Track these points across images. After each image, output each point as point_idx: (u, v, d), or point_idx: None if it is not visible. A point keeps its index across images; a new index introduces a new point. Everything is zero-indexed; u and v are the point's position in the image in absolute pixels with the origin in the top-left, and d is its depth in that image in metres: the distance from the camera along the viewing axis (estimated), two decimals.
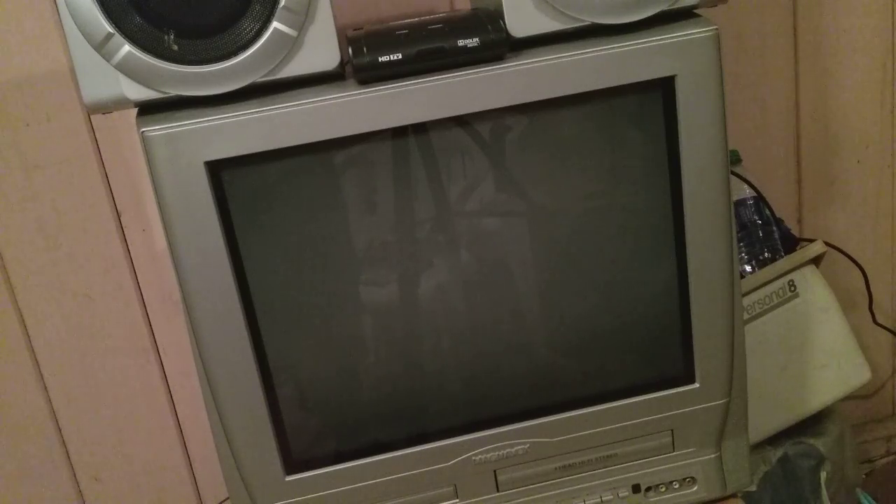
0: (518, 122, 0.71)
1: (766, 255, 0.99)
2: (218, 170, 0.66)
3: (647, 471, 0.82)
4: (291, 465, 0.75)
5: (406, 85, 0.66)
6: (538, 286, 0.78)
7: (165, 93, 0.65)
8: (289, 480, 0.75)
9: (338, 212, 0.72)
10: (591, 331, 0.79)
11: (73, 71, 0.67)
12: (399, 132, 0.69)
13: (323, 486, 0.76)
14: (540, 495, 0.81)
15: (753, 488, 0.93)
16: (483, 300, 0.76)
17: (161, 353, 1.20)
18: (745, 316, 0.94)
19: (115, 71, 0.64)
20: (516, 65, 0.67)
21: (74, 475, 1.26)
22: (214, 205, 0.66)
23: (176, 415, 1.23)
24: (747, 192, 1.01)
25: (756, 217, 1.01)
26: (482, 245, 0.75)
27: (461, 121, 0.69)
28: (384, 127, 0.68)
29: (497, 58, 0.67)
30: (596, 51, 0.67)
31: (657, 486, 0.83)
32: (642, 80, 0.68)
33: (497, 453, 0.78)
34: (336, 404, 0.77)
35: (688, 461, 0.82)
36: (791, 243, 1.02)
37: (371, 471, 0.76)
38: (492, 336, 0.77)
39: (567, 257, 0.76)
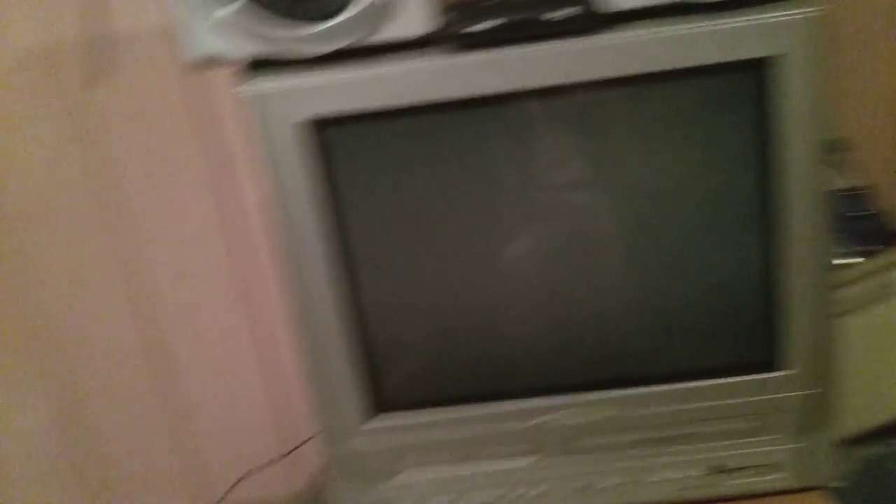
0: (611, 96, 0.71)
1: (866, 247, 0.96)
2: (320, 128, 0.70)
3: (729, 453, 0.81)
4: (375, 408, 0.79)
5: (505, 52, 0.68)
6: (630, 262, 0.78)
7: (270, 50, 0.68)
8: (374, 422, 0.79)
9: (433, 171, 0.74)
10: (681, 310, 0.78)
11: (170, 27, 0.70)
12: (495, 100, 0.70)
13: (406, 431, 0.79)
14: (617, 464, 0.82)
15: (842, 484, 0.91)
16: (575, 270, 0.77)
17: (249, 304, 1.27)
18: (842, 309, 0.91)
19: (219, 27, 0.67)
20: (615, 37, 0.67)
21: (171, 408, 1.36)
22: (316, 161, 0.70)
23: (271, 352, 1.31)
24: (849, 182, 0.98)
25: (857, 208, 0.97)
26: (573, 215, 0.76)
27: (557, 92, 0.70)
28: (481, 93, 0.69)
29: (594, 30, 0.67)
30: (695, 27, 0.66)
31: (739, 468, 0.82)
32: (739, 59, 0.67)
33: (577, 419, 0.79)
34: (425, 351, 0.79)
35: (773, 448, 0.81)
36: (893, 238, 0.98)
37: (452, 420, 0.79)
38: (580, 304, 0.78)
39: (655, 235, 0.76)
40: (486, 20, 0.67)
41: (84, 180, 1.20)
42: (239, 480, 1.29)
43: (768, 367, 0.77)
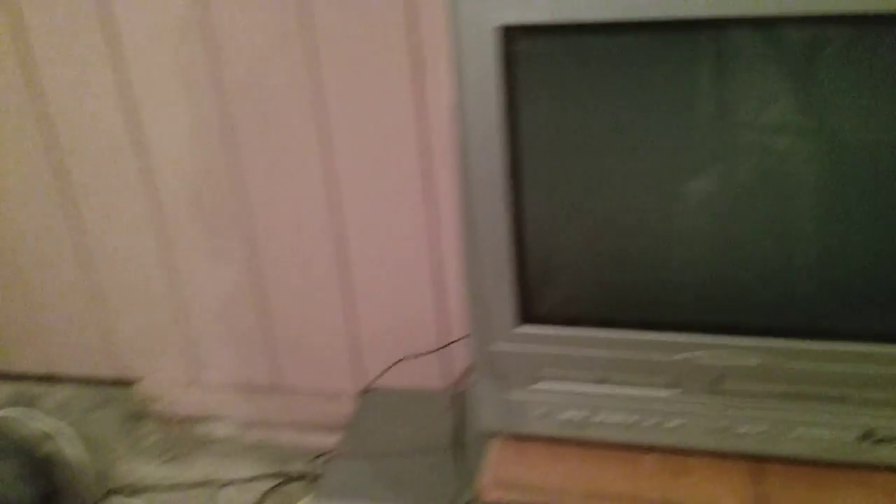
0: (837, 36, 0.66)
1: None
2: (513, 35, 0.70)
3: (886, 421, 0.77)
4: (526, 317, 0.81)
5: None
6: (825, 214, 0.74)
7: None
8: (521, 330, 0.81)
9: (623, 90, 0.73)
10: (866, 270, 0.74)
11: None
12: (704, 25, 0.67)
13: (549, 344, 0.81)
14: (761, 411, 0.80)
15: None
16: (756, 210, 0.74)
17: (434, 197, 1.32)
18: None
19: None
20: None
21: (347, 287, 1.46)
22: (502, 72, 0.71)
23: (437, 251, 1.36)
24: None
25: None
26: (769, 158, 0.72)
27: (781, 23, 0.66)
28: (693, 16, 0.66)
29: None
30: None
31: (894, 439, 0.78)
32: None
33: (726, 361, 0.78)
34: (579, 271, 0.80)
35: None
36: None
37: (598, 342, 0.80)
38: (754, 247, 0.75)
39: (860, 190, 0.71)
40: None
41: (294, 69, 1.29)
42: (393, 365, 1.37)
43: None
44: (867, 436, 0.78)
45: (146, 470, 1.70)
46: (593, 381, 0.83)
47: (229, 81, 1.33)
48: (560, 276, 0.81)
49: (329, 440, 1.53)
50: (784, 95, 0.70)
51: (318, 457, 1.56)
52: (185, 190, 1.46)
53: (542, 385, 0.84)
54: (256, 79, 1.31)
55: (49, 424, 1.72)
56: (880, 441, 0.78)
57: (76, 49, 1.39)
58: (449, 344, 1.42)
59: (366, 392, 1.38)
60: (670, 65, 0.71)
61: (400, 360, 1.38)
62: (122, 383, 1.72)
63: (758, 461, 0.82)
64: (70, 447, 1.66)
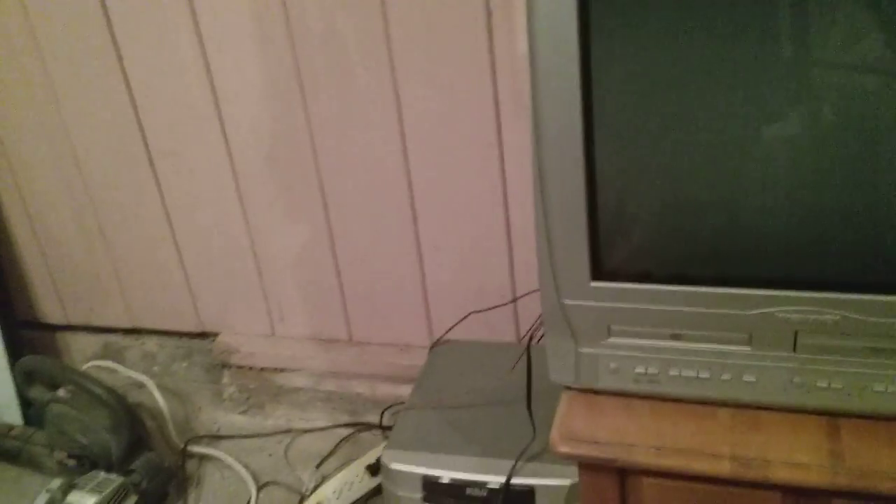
0: None
1: None
2: None
3: None
4: (599, 272, 0.81)
5: None
6: None
7: None
8: (594, 285, 0.81)
9: (696, 38, 0.71)
10: None
11: None
12: None
13: (622, 299, 0.81)
14: (838, 368, 0.79)
15: None
16: (840, 157, 0.71)
17: (503, 149, 1.32)
18: None
19: None
20: None
21: (418, 242, 1.48)
22: (577, 18, 0.70)
23: (506, 204, 1.36)
24: None
25: None
26: (859, 100, 0.69)
27: None
28: None
29: None
30: None
31: None
32: None
33: (804, 316, 0.77)
34: (652, 226, 0.79)
35: None
36: None
37: (671, 298, 0.80)
38: (835, 198, 0.73)
39: None
40: None
41: (364, 19, 1.28)
42: (464, 318, 1.39)
43: None
44: None
45: (227, 419, 1.78)
46: (666, 337, 0.82)
47: (300, 33, 1.34)
48: (634, 231, 0.80)
49: (401, 391, 1.57)
50: (871, 32, 0.67)
51: (390, 407, 1.60)
52: (258, 146, 1.49)
53: (613, 340, 0.84)
54: (327, 29, 1.32)
55: (136, 375, 1.81)
56: None
57: (152, 5, 1.42)
58: (519, 298, 1.43)
59: (437, 344, 1.41)
60: (750, 2, 0.68)
61: (471, 313, 1.39)
62: (203, 336, 1.79)
63: (833, 417, 0.81)
64: (155, 397, 1.74)
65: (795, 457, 0.77)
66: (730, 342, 0.81)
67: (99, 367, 1.83)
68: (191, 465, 1.65)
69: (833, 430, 0.80)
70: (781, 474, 0.77)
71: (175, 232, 1.66)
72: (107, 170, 1.63)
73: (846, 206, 0.73)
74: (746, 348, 0.81)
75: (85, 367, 1.83)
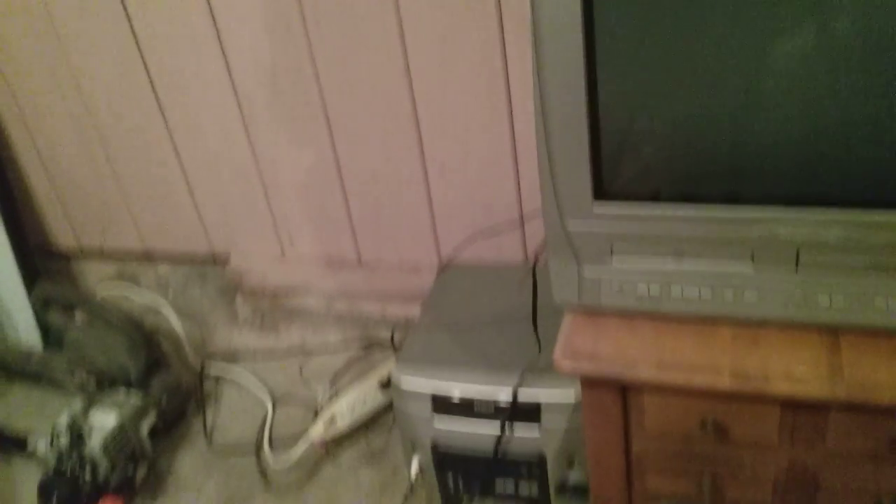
0: None
1: None
2: None
3: None
4: (601, 193, 0.81)
5: None
6: None
7: None
8: (596, 206, 0.82)
9: None
10: None
11: None
12: None
13: (625, 220, 0.81)
14: (839, 283, 0.79)
15: None
16: (843, 75, 0.70)
17: (508, 68, 1.30)
18: None
19: None
20: None
21: (424, 164, 1.47)
22: None
23: (512, 123, 1.35)
24: None
25: None
26: (862, 13, 0.67)
27: None
28: None
29: None
30: None
31: None
32: None
33: (806, 234, 0.77)
34: (656, 144, 0.78)
35: None
36: None
37: (675, 218, 0.80)
38: (840, 115, 0.72)
39: None
40: None
41: None
42: (470, 239, 1.40)
43: None
44: None
45: (242, 339, 1.82)
46: (669, 257, 0.83)
47: None
48: (637, 150, 0.80)
49: (410, 310, 1.59)
50: None
51: (400, 326, 1.63)
52: (261, 71, 1.47)
53: (616, 261, 0.85)
54: None
55: (151, 299, 1.84)
56: None
57: None
58: (525, 220, 1.44)
59: (445, 265, 1.42)
60: None
61: (477, 235, 1.40)
62: (216, 260, 1.81)
63: (834, 332, 0.82)
64: (171, 320, 1.77)
65: (795, 370, 0.79)
66: (732, 261, 0.82)
67: (114, 290, 1.86)
68: (208, 384, 1.70)
69: (833, 345, 0.81)
70: (781, 387, 0.78)
71: (181, 158, 1.66)
72: (111, 98, 1.62)
73: (851, 123, 0.72)
74: (749, 267, 0.81)
75: (100, 291, 1.86)
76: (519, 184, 1.42)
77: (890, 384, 0.76)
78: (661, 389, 0.84)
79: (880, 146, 0.73)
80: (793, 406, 0.81)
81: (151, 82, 1.56)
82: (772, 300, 0.83)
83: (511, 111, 1.35)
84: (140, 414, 1.49)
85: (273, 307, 1.77)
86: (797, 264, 0.80)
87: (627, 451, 0.91)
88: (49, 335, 1.77)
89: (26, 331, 1.79)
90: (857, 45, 0.69)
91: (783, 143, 0.75)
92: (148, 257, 1.87)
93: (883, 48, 0.68)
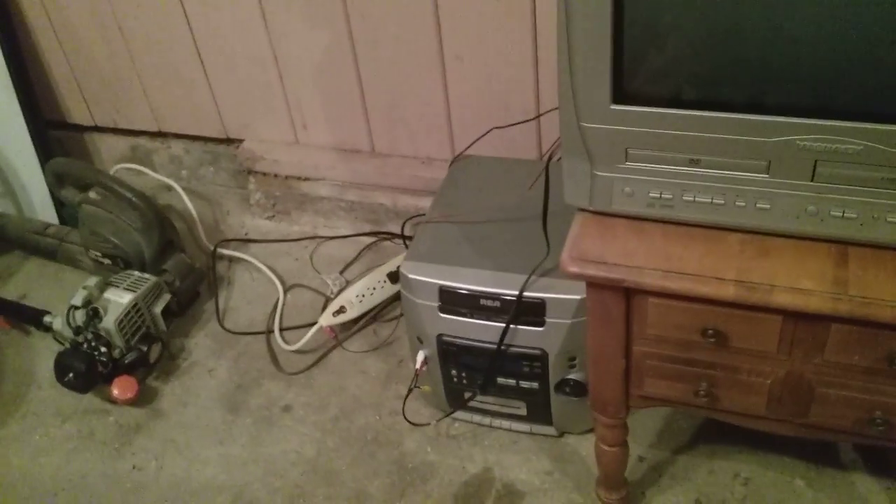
0: None
1: None
2: None
3: None
4: (620, 95, 0.79)
5: None
6: None
7: None
8: (614, 108, 0.80)
9: None
10: None
11: None
12: None
13: (642, 124, 0.80)
14: (853, 198, 0.78)
15: None
16: None
17: None
18: None
19: None
20: None
21: (442, 52, 1.44)
22: None
23: (534, 14, 1.31)
24: None
25: None
26: None
27: None
28: None
29: None
30: None
31: None
32: None
33: (826, 145, 0.75)
34: (681, 47, 0.76)
35: None
36: None
37: (693, 124, 0.78)
38: (865, 26, 0.69)
39: None
40: None
41: None
42: (486, 133, 1.38)
43: None
44: None
45: (254, 223, 1.83)
46: (684, 163, 0.82)
47: None
48: (659, 53, 0.77)
49: (422, 203, 1.59)
50: None
51: (411, 218, 1.64)
52: None
53: (630, 164, 0.84)
54: None
55: (164, 179, 1.85)
56: None
57: None
58: (540, 115, 1.41)
59: (458, 159, 1.41)
60: None
61: (493, 129, 1.38)
62: (229, 142, 1.80)
63: (843, 246, 0.82)
64: (184, 200, 1.78)
65: (800, 282, 0.79)
66: (748, 169, 0.80)
67: (128, 169, 1.87)
68: (221, 267, 1.73)
69: (841, 259, 0.81)
70: (784, 299, 0.79)
71: (195, 36, 1.62)
72: None
73: (878, 35, 0.69)
74: (764, 175, 0.80)
75: (114, 168, 1.86)
76: (538, 79, 1.39)
77: (893, 301, 0.76)
78: (665, 296, 0.85)
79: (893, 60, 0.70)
80: (795, 317, 0.82)
81: None
82: (784, 211, 0.82)
83: (534, 4, 1.30)
84: (154, 293, 1.52)
85: (285, 193, 1.77)
86: (813, 176, 0.79)
87: (627, 353, 0.93)
88: (64, 210, 1.79)
89: (42, 206, 1.81)
90: None
91: (810, 51, 0.72)
92: (162, 135, 1.87)
93: None
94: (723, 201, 0.83)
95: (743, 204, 0.83)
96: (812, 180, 0.79)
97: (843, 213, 0.80)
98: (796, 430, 0.93)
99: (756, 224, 0.83)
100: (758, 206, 0.82)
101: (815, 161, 0.77)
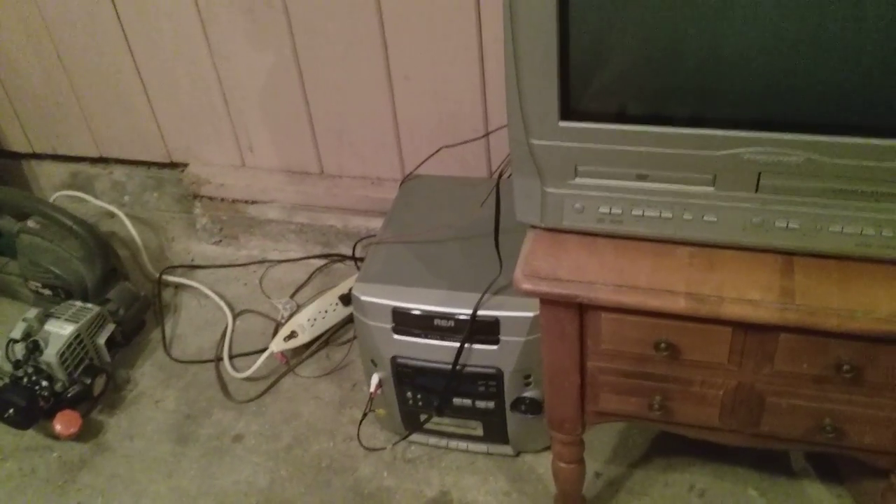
0: None
1: None
2: None
3: None
4: (567, 112, 0.79)
5: None
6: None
7: None
8: (562, 125, 0.80)
9: None
10: None
11: None
12: None
13: (590, 140, 0.80)
14: (797, 209, 0.80)
15: None
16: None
17: None
18: None
19: None
20: None
21: (389, 72, 1.44)
22: None
23: (481, 34, 1.32)
24: None
25: None
26: None
27: None
28: None
29: None
30: None
31: None
32: None
33: (769, 157, 0.77)
34: (626, 62, 0.77)
35: None
36: None
37: (640, 138, 0.79)
38: (807, 36, 0.71)
39: None
40: None
41: None
42: (435, 152, 1.38)
43: None
44: None
45: (200, 249, 1.80)
46: (632, 178, 0.82)
47: None
48: (606, 69, 0.78)
49: (373, 224, 1.58)
50: None
51: (362, 239, 1.62)
52: None
53: (579, 180, 0.84)
54: None
55: (106, 205, 1.80)
56: None
57: None
58: (489, 134, 1.41)
59: (408, 178, 1.40)
60: None
61: (442, 147, 1.38)
62: (173, 166, 1.77)
63: (788, 257, 0.83)
64: (128, 227, 1.74)
65: (748, 294, 0.80)
66: (694, 183, 0.81)
67: (68, 196, 1.82)
68: (167, 294, 1.68)
69: (787, 270, 0.82)
70: (733, 310, 0.80)
71: (136, 59, 1.59)
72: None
73: (816, 48, 0.71)
74: (710, 189, 0.81)
75: (53, 196, 1.81)
76: (485, 97, 1.39)
77: (839, 310, 0.77)
78: (618, 310, 0.85)
79: (845, 71, 0.72)
80: (744, 328, 0.83)
81: None
82: (730, 223, 0.83)
83: (480, 23, 1.31)
84: (97, 323, 1.47)
85: (232, 217, 1.74)
86: (757, 188, 0.80)
87: (582, 369, 0.93)
88: (1, 241, 1.73)
89: None
90: None
91: (751, 65, 0.74)
92: (103, 161, 1.82)
93: None
94: (671, 215, 0.84)
95: (690, 217, 0.84)
96: (757, 192, 0.80)
97: (788, 223, 0.81)
98: (749, 440, 0.94)
99: (704, 237, 0.84)
100: (705, 219, 0.83)
101: (759, 173, 0.79)
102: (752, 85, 0.75)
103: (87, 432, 1.40)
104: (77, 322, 1.43)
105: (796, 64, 0.72)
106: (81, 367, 1.43)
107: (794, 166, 0.77)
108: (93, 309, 1.47)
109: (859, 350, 0.81)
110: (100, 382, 1.44)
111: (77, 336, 1.42)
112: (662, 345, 0.86)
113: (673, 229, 0.85)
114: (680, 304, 0.81)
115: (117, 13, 1.53)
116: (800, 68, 0.73)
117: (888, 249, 0.79)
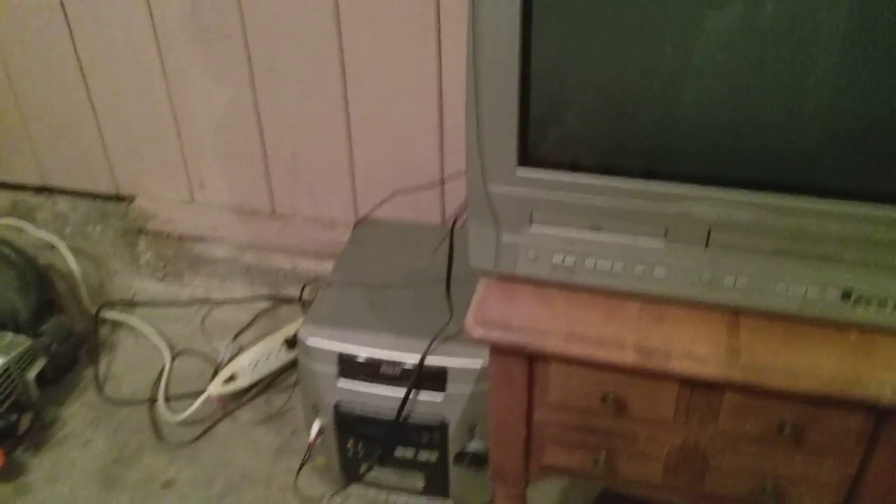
0: None
1: None
2: None
3: (865, 282, 0.78)
4: (525, 157, 0.80)
5: None
6: (830, 64, 0.71)
7: None
8: (519, 172, 0.81)
9: None
10: (870, 129, 0.72)
11: None
12: None
13: (548, 187, 0.81)
14: (746, 265, 0.81)
15: None
16: (763, 60, 0.71)
17: (441, 22, 1.27)
18: None
19: None
20: None
21: (348, 114, 1.44)
22: None
23: (440, 82, 1.33)
24: None
25: None
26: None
27: None
28: None
29: None
30: None
31: (870, 300, 0.79)
32: None
33: (719, 214, 0.78)
34: (583, 114, 0.78)
35: None
36: None
37: (596, 188, 0.79)
38: (762, 96, 0.73)
39: (883, 45, 0.68)
40: None
41: None
42: (389, 197, 1.37)
43: None
44: (846, 295, 0.79)
45: (142, 285, 1.75)
46: (586, 228, 0.83)
47: None
48: (564, 119, 0.79)
49: (323, 267, 1.56)
50: None
51: (311, 282, 1.60)
52: (180, 2, 1.40)
53: (534, 229, 0.84)
54: None
55: (46, 236, 1.74)
56: (858, 300, 0.79)
57: None
58: (444, 181, 1.42)
59: (361, 222, 1.39)
60: None
61: (397, 192, 1.38)
62: (119, 199, 1.73)
63: (736, 314, 0.84)
64: (67, 260, 1.69)
65: (695, 350, 0.80)
66: (647, 236, 0.82)
67: (7, 225, 1.76)
68: (104, 331, 1.63)
69: (733, 327, 0.83)
70: (680, 365, 0.80)
71: (88, 86, 1.57)
72: (12, 16, 1.51)
73: (769, 108, 0.73)
74: (661, 243, 0.82)
75: None
76: (442, 144, 1.40)
77: (783, 369, 0.78)
78: (567, 361, 0.84)
79: (794, 132, 0.74)
80: (690, 384, 0.83)
81: (62, 4, 1.47)
82: (680, 278, 0.84)
83: (440, 70, 1.32)
84: (27, 358, 1.41)
85: (178, 253, 1.70)
86: (707, 243, 0.81)
87: (529, 420, 0.91)
88: None
89: None
90: (780, 29, 0.70)
91: (703, 122, 0.76)
92: (46, 190, 1.77)
93: (799, 35, 0.69)
94: (622, 268, 0.84)
95: (641, 271, 0.84)
96: (706, 248, 0.81)
97: (735, 281, 0.82)
98: (692, 499, 0.93)
99: (654, 291, 0.85)
100: (655, 273, 0.84)
101: (710, 229, 0.80)
102: (703, 142, 0.76)
103: (9, 472, 1.33)
104: (7, 355, 1.37)
105: (745, 124, 0.74)
106: (7, 402, 1.36)
107: (743, 224, 0.78)
108: (25, 342, 1.41)
109: (801, 411, 0.81)
110: (26, 420, 1.38)
111: (6, 370, 1.35)
112: (610, 398, 0.85)
113: (624, 282, 0.85)
114: (628, 357, 0.81)
115: (72, 36, 1.50)
116: (749, 128, 0.74)
117: (831, 311, 0.81)
